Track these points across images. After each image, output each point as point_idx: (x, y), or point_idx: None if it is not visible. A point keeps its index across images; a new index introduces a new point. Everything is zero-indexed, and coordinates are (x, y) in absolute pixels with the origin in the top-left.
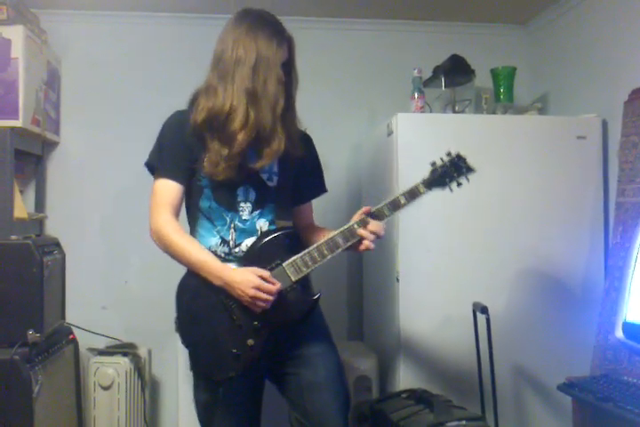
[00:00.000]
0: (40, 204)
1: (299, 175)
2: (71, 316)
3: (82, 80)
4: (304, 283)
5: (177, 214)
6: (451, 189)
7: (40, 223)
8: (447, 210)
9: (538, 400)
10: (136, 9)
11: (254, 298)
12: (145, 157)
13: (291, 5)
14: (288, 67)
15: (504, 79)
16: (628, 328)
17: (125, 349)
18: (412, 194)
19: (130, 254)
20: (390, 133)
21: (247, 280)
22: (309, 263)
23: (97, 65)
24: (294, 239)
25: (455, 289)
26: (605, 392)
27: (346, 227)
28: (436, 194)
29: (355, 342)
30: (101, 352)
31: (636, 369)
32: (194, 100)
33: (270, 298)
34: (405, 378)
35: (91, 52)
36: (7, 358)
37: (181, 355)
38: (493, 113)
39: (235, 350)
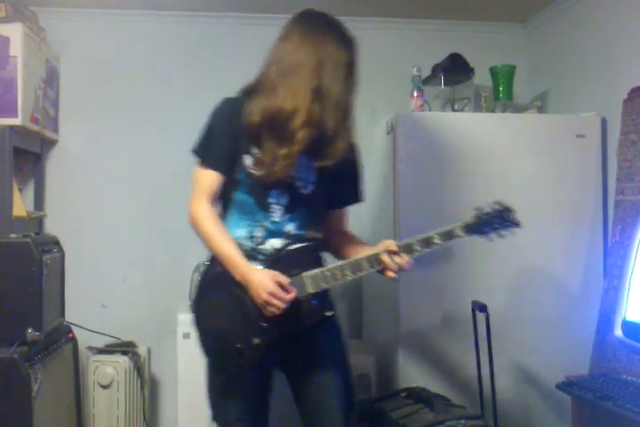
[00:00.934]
0: (39, 202)
1: (336, 182)
2: (70, 314)
3: (80, 78)
4: (322, 298)
5: (215, 202)
6: (490, 239)
7: (39, 222)
8: (446, 207)
9: (537, 399)
10: (135, 7)
11: (266, 302)
12: (143, 154)
13: (290, 4)
14: (350, 68)
15: (503, 77)
16: (628, 327)
17: (125, 347)
18: (448, 235)
19: (129, 253)
20: (390, 132)
21: (263, 284)
22: (329, 280)
23: (96, 63)
24: (321, 253)
25: (454, 287)
26: (604, 391)
27: (374, 253)
28: (434, 185)
29: (354, 340)
30: (101, 351)
31: (635, 368)
32: (248, 92)
33: (281, 305)
34: (405, 376)
35: (89, 50)
36: (6, 356)
37: (180, 353)
38: (493, 111)
39: (239, 346)
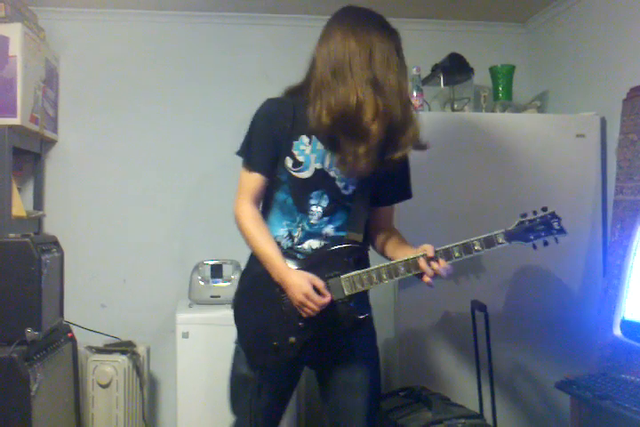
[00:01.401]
0: (38, 202)
1: (383, 178)
2: (69, 314)
3: (80, 78)
4: (358, 300)
5: (259, 202)
6: (534, 246)
7: (38, 221)
8: (445, 206)
9: (536, 398)
10: (135, 7)
11: (301, 304)
12: (142, 154)
13: (290, 3)
14: (398, 57)
15: (503, 77)
16: (627, 326)
17: (124, 347)
18: (489, 242)
19: (128, 253)
20: None
21: (299, 285)
22: (365, 283)
23: (95, 63)
24: (360, 256)
25: (454, 287)
26: (603, 390)
27: (411, 257)
28: (433, 185)
29: None
30: (100, 350)
31: (634, 367)
32: (292, 94)
33: (315, 308)
34: (404, 376)
35: (89, 50)
36: (5, 356)
37: (180, 353)
38: (492, 111)
39: (275, 343)
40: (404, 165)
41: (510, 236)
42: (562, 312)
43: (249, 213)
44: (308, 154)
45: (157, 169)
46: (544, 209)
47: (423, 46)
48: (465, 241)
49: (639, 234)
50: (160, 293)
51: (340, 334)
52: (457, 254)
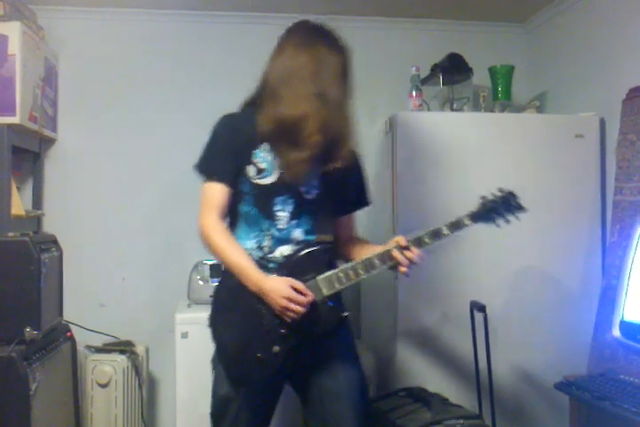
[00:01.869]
0: (37, 201)
1: (342, 188)
2: (69, 313)
3: (79, 77)
4: (336, 299)
5: (224, 215)
6: (497, 225)
7: (37, 220)
8: (444, 207)
9: (535, 399)
10: (134, 6)
11: (284, 308)
12: (141, 153)
13: (288, 3)
14: (345, 73)
15: (502, 77)
16: (625, 327)
17: (123, 346)
18: (456, 225)
19: (128, 251)
20: (388, 131)
21: (278, 290)
22: (343, 280)
23: (94, 62)
24: (332, 255)
25: (453, 287)
26: (602, 391)
27: (384, 250)
28: (433, 185)
29: None
30: (99, 350)
31: (632, 368)
32: (248, 106)
33: (300, 309)
34: (403, 376)
35: (88, 49)
36: (4, 355)
37: (179, 352)
38: (491, 111)
39: (259, 355)
40: (358, 172)
41: (475, 217)
42: (561, 313)
43: (216, 227)
44: (270, 160)
45: (156, 168)
46: (501, 190)
47: (422, 46)
48: (434, 228)
49: (638, 235)
50: (159, 292)
51: (323, 336)
52: (427, 240)
